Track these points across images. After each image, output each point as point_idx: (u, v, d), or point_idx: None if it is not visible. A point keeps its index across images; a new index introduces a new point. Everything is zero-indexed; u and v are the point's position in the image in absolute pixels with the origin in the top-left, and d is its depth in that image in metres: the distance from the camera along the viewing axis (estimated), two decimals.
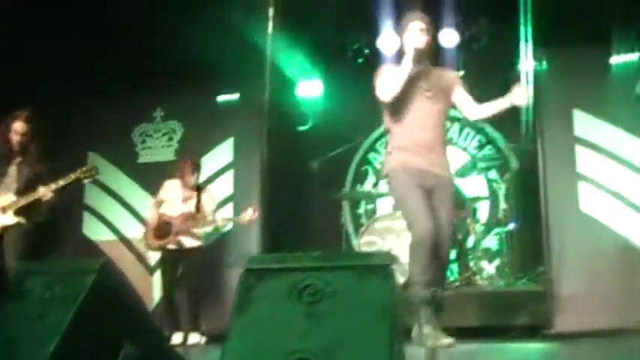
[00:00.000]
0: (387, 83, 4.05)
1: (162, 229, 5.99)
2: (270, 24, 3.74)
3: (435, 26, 4.19)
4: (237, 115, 6.98)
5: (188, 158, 6.26)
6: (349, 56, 7.36)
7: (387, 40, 6.83)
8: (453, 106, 4.35)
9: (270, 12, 3.76)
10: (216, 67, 6.17)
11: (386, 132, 4.31)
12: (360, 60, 7.33)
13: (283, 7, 4.22)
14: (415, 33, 4.06)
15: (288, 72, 7.39)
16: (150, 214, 6.20)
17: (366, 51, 7.27)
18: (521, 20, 6.24)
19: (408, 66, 3.98)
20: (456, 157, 6.94)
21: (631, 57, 6.20)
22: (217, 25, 5.90)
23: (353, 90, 7.09)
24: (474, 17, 6.83)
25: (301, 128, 7.80)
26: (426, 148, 4.08)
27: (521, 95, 3.85)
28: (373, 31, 6.92)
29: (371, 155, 7.88)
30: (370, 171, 7.87)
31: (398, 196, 4.20)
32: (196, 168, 6.16)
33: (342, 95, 7.59)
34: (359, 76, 7.12)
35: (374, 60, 7.02)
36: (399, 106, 4.10)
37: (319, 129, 7.76)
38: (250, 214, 5.75)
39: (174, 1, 5.91)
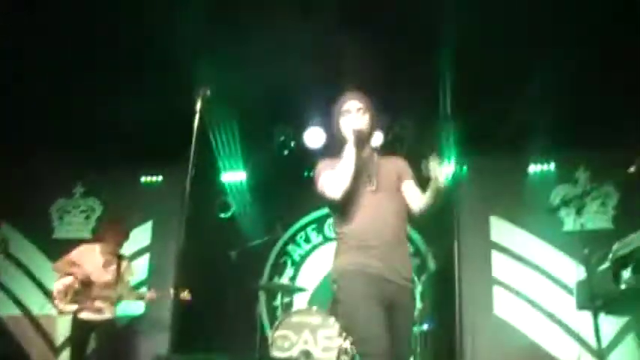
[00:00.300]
0: (333, 178, 3.47)
1: (79, 292, 5.53)
2: (198, 111, 3.68)
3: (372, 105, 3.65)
4: (159, 198, 6.89)
5: (119, 223, 5.91)
6: (274, 148, 7.41)
7: (312, 133, 6.96)
8: None
9: (198, 104, 3.72)
10: (141, 148, 6.10)
11: (335, 234, 3.58)
12: (285, 152, 7.39)
13: (212, 99, 4.24)
14: (353, 114, 3.56)
15: (214, 159, 7.37)
16: (61, 273, 5.64)
17: (292, 143, 7.35)
18: (443, 127, 6.49)
19: (352, 153, 3.44)
20: None
21: (547, 167, 6.51)
22: (146, 105, 5.86)
23: (276, 182, 7.12)
24: (399, 119, 7.02)
25: (222, 216, 7.73)
26: (385, 248, 3.39)
27: (435, 168, 3.26)
28: (299, 125, 7.05)
29: (290, 247, 7.84)
30: (289, 263, 7.81)
31: (347, 310, 3.34)
32: (126, 236, 5.86)
33: (265, 186, 7.60)
34: (283, 168, 7.24)
35: (299, 153, 7.13)
36: (347, 202, 3.48)
37: (240, 218, 7.71)
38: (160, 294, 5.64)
39: (102, 77, 5.85)
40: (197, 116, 3.82)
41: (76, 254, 5.72)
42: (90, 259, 5.71)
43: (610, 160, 5.09)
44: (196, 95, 3.94)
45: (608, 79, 5.47)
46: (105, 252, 5.74)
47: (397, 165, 3.70)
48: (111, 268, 5.72)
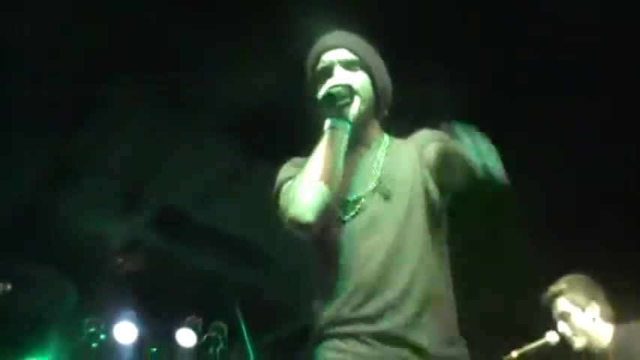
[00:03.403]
0: (303, 187, 1.93)
1: None
2: None
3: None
4: None
5: None
6: (83, 339, 7.21)
7: (124, 329, 6.91)
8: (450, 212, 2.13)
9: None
10: None
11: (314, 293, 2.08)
12: (94, 345, 7.20)
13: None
14: (335, 77, 2.10)
15: (16, 345, 7.05)
16: None
17: (102, 337, 7.20)
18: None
19: (340, 143, 1.97)
20: None
21: None
22: None
23: None
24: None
25: None
26: (402, 312, 1.90)
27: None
28: (111, 319, 6.99)
29: None
30: None
31: None
32: None
33: None
34: None
35: (108, 347, 6.99)
36: (326, 237, 2.01)
37: None
38: None
39: None
40: None
41: None
42: None
43: None
44: None
45: None
46: None
47: (416, 154, 2.11)
48: None
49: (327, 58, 2.12)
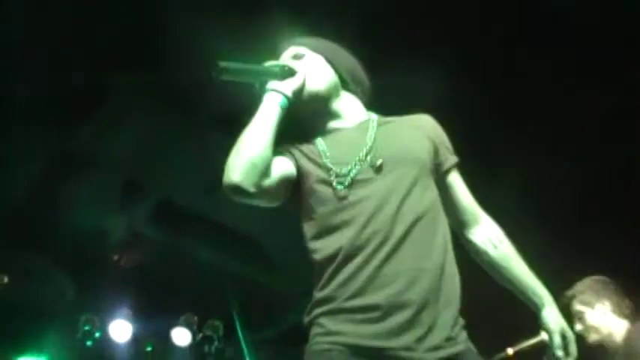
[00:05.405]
0: (232, 153, 1.96)
1: None
2: None
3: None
4: None
5: None
6: (79, 336, 7.21)
7: (119, 327, 6.90)
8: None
9: None
10: None
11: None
12: (88, 342, 7.20)
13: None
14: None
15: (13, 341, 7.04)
16: None
17: (97, 334, 7.19)
18: None
19: (269, 111, 2.02)
20: None
21: None
22: None
23: None
24: None
25: None
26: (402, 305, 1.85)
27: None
28: (106, 316, 6.98)
29: None
30: None
31: None
32: None
33: None
34: (86, 358, 6.99)
35: (103, 344, 6.98)
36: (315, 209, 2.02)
37: None
38: None
39: None
40: None
41: None
42: None
43: None
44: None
45: None
46: None
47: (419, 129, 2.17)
48: None
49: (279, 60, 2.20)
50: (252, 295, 6.56)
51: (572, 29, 4.26)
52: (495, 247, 2.13)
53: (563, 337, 2.04)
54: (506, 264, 2.11)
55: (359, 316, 1.84)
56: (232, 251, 6.28)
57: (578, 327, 3.71)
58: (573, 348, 2.04)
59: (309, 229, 2.03)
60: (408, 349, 1.79)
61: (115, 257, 6.83)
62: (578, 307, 3.74)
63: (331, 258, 1.93)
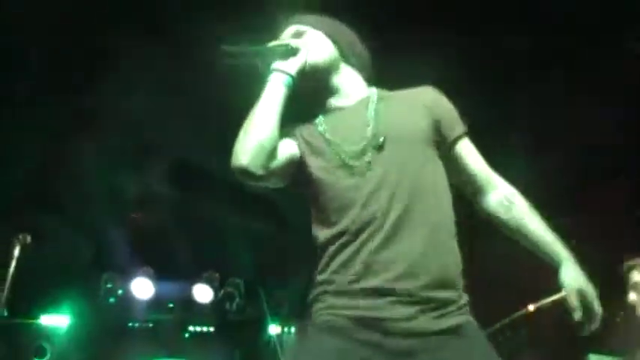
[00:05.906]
0: (239, 136, 1.99)
1: None
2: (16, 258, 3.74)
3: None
4: None
5: None
6: (101, 294, 7.30)
7: (141, 284, 6.97)
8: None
9: (17, 250, 3.79)
10: None
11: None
12: (111, 299, 7.29)
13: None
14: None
15: (32, 300, 7.14)
16: None
17: (119, 292, 7.28)
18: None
19: (275, 91, 2.04)
20: None
21: None
22: None
23: (101, 328, 6.98)
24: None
25: None
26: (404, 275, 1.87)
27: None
28: (128, 275, 7.04)
29: None
30: None
31: None
32: None
33: (88, 332, 7.38)
34: (109, 315, 7.09)
35: (125, 302, 7.06)
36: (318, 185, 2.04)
37: None
38: None
39: None
40: (14, 263, 3.88)
41: None
42: None
43: None
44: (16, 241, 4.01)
45: None
46: None
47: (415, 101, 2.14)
48: None
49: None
50: (271, 254, 6.58)
51: None
52: (510, 207, 2.09)
53: (583, 296, 1.93)
54: (522, 222, 2.07)
55: (360, 294, 1.87)
56: (250, 211, 6.28)
57: (632, 297, 3.69)
58: (595, 307, 1.93)
59: (312, 211, 2.08)
60: (409, 319, 1.82)
61: (136, 216, 6.87)
62: (637, 277, 3.70)
63: (332, 240, 1.95)
